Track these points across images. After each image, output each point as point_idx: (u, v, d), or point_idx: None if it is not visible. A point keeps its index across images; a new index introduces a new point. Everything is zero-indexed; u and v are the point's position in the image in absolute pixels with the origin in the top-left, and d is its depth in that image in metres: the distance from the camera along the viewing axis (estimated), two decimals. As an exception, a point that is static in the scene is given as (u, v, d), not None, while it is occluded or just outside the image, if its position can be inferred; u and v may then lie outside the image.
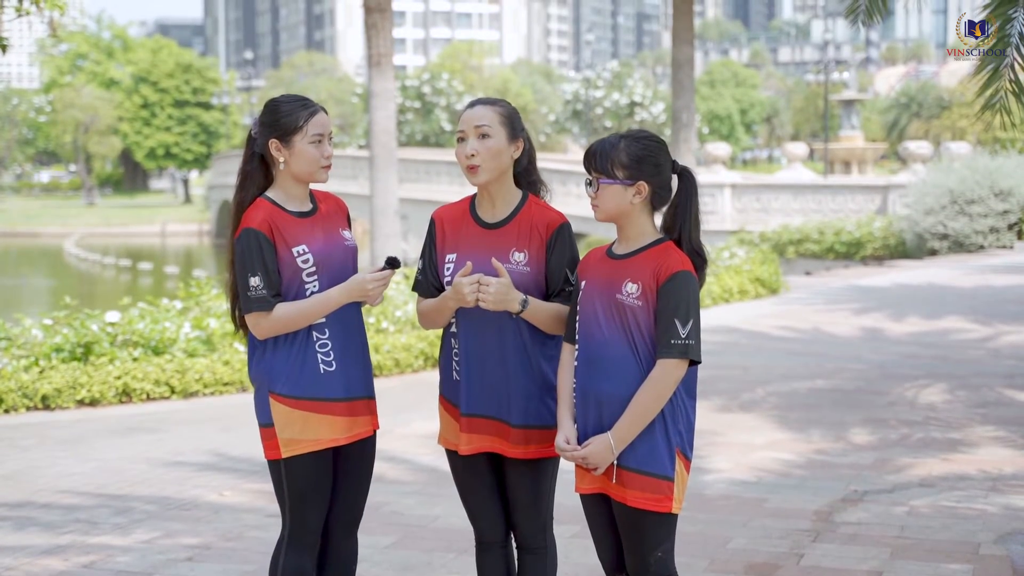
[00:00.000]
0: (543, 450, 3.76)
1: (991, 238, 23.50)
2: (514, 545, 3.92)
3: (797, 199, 28.43)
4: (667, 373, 3.44)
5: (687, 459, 3.56)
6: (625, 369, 3.49)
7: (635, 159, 3.50)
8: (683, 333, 3.44)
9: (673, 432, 3.51)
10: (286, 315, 3.76)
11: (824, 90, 56.89)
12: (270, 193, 3.87)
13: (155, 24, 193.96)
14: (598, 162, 3.53)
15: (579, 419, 3.58)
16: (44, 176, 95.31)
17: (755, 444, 7.78)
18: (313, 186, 3.94)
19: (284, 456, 3.81)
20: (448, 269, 3.77)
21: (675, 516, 3.56)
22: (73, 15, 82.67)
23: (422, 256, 3.86)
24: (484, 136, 3.71)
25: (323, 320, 3.81)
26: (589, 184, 3.59)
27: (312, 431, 3.81)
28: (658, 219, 3.62)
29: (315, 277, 3.81)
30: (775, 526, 5.90)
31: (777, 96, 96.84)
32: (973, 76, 7.84)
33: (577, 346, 3.60)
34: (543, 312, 3.69)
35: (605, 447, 3.48)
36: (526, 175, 3.85)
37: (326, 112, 3.90)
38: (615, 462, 3.51)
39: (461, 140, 3.74)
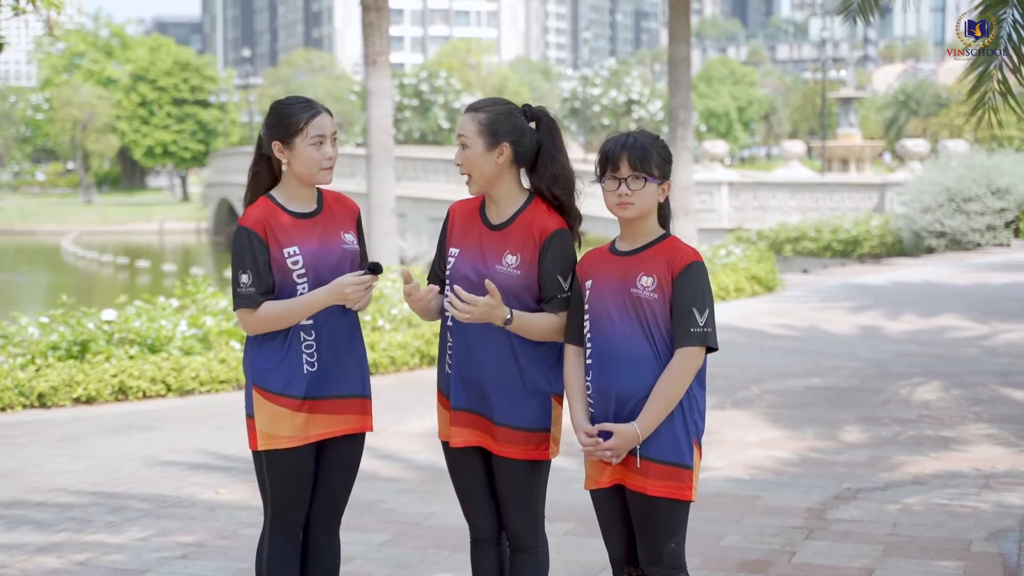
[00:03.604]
0: (529, 451, 3.77)
1: (988, 236, 23.55)
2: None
3: (794, 197, 28.46)
4: (688, 361, 3.51)
5: (700, 448, 3.64)
6: (643, 363, 3.55)
7: (665, 159, 3.61)
8: (701, 321, 3.51)
9: (690, 421, 3.58)
10: (271, 313, 3.82)
11: (822, 88, 56.93)
12: (274, 192, 3.93)
13: (153, 22, 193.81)
14: (641, 162, 3.57)
15: (598, 417, 3.62)
16: (40, 175, 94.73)
17: (749, 442, 7.79)
18: (324, 186, 3.98)
19: (261, 449, 3.88)
20: (450, 263, 3.83)
21: (688, 505, 3.62)
22: (70, 13, 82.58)
23: (438, 246, 3.93)
24: (464, 147, 3.75)
25: (310, 321, 3.86)
26: (624, 182, 3.56)
27: (289, 428, 3.85)
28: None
29: (305, 279, 3.86)
30: (768, 523, 5.92)
31: (775, 94, 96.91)
32: (964, 76, 7.85)
33: (589, 346, 3.64)
34: (531, 325, 3.71)
35: (631, 435, 3.52)
36: (544, 172, 3.76)
37: (330, 113, 3.93)
38: (637, 453, 3.55)
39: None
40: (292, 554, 3.94)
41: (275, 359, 3.84)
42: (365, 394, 3.98)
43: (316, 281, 3.86)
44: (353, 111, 75.03)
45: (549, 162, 3.78)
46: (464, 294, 3.63)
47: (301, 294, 3.85)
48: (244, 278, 3.81)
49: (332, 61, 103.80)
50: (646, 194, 3.57)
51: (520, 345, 3.74)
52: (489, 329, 3.72)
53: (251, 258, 3.82)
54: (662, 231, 3.66)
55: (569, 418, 3.70)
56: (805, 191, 28.67)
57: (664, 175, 3.60)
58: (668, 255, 3.57)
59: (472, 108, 3.79)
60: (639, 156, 3.56)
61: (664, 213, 3.69)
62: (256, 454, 3.92)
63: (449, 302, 3.67)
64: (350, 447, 4.00)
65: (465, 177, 3.78)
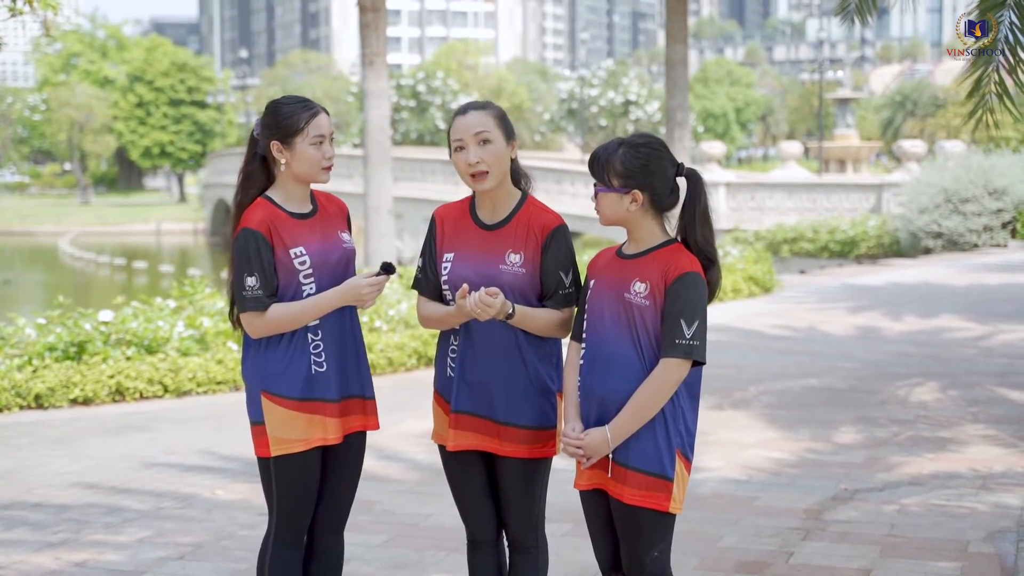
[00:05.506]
0: (535, 450, 3.78)
1: (985, 237, 23.57)
2: (506, 544, 3.94)
3: (792, 198, 28.46)
4: (669, 372, 3.46)
5: (688, 460, 3.57)
6: (629, 368, 3.52)
7: (629, 168, 3.52)
8: (688, 333, 3.46)
9: (674, 432, 3.53)
10: (280, 316, 3.78)
11: (819, 89, 56.96)
12: (271, 193, 3.90)
13: (150, 22, 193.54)
14: (596, 170, 3.57)
15: (583, 416, 3.61)
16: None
17: (747, 443, 7.80)
18: (314, 186, 3.97)
19: (274, 454, 3.84)
20: (445, 268, 3.79)
21: (673, 516, 3.57)
22: (67, 13, 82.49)
23: (422, 254, 3.88)
24: (486, 142, 3.70)
25: (316, 322, 3.83)
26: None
27: (302, 431, 3.83)
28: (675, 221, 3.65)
29: (312, 279, 3.84)
30: (765, 524, 5.92)
31: (772, 95, 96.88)
32: (963, 79, 7.87)
33: (584, 345, 3.63)
34: (531, 320, 3.71)
35: (602, 439, 3.51)
36: (519, 173, 3.87)
37: (327, 113, 3.92)
38: (612, 458, 3.53)
39: (460, 149, 3.72)
40: (296, 559, 3.91)
41: (282, 363, 3.81)
42: (370, 394, 3.98)
43: (323, 281, 3.84)
44: (350, 112, 75.00)
45: (519, 166, 3.88)
46: (480, 295, 3.61)
47: (308, 295, 3.82)
48: (251, 281, 3.78)
49: (329, 62, 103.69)
50: (607, 203, 3.56)
51: (526, 343, 3.74)
52: (494, 329, 3.71)
53: (257, 260, 3.78)
54: (667, 236, 3.60)
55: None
56: (802, 192, 28.68)
57: (631, 185, 3.52)
58: (665, 263, 3.52)
59: (477, 106, 3.76)
60: (596, 165, 3.58)
61: (684, 219, 3.58)
62: (264, 460, 3.89)
63: (476, 303, 3.61)
64: (355, 447, 3.98)
65: (467, 184, 3.75)
